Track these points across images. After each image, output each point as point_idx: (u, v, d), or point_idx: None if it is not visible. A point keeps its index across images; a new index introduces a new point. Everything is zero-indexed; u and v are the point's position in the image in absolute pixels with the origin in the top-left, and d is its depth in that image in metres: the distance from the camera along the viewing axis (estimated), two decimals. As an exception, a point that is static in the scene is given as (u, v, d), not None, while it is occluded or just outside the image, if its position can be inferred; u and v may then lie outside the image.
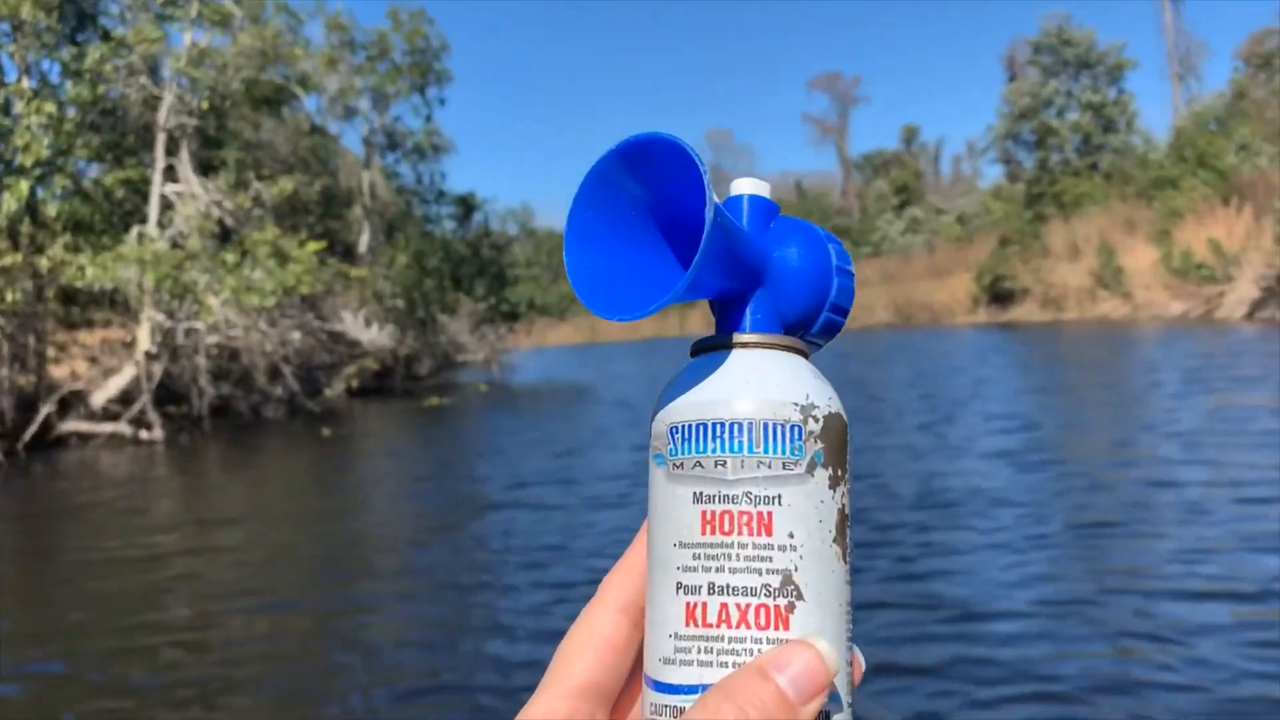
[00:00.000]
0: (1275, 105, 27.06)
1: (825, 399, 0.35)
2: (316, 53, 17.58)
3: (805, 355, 0.37)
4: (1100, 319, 21.52)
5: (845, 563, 0.35)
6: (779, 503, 0.33)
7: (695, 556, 0.34)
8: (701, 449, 0.34)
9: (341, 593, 4.55)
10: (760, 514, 0.33)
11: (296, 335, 12.54)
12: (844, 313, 0.39)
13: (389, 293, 16.46)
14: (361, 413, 14.37)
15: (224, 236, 12.51)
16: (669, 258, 0.37)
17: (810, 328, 0.39)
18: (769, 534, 0.33)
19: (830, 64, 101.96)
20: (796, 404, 0.34)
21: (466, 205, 20.66)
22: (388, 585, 4.68)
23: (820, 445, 0.34)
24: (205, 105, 12.10)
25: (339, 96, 18.57)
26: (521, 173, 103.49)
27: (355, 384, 15.96)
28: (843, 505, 0.35)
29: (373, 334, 17.09)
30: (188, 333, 11.63)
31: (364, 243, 18.66)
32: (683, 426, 0.35)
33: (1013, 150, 35.79)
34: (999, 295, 27.73)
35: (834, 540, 0.34)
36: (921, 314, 29.92)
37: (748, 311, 0.37)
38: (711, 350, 0.37)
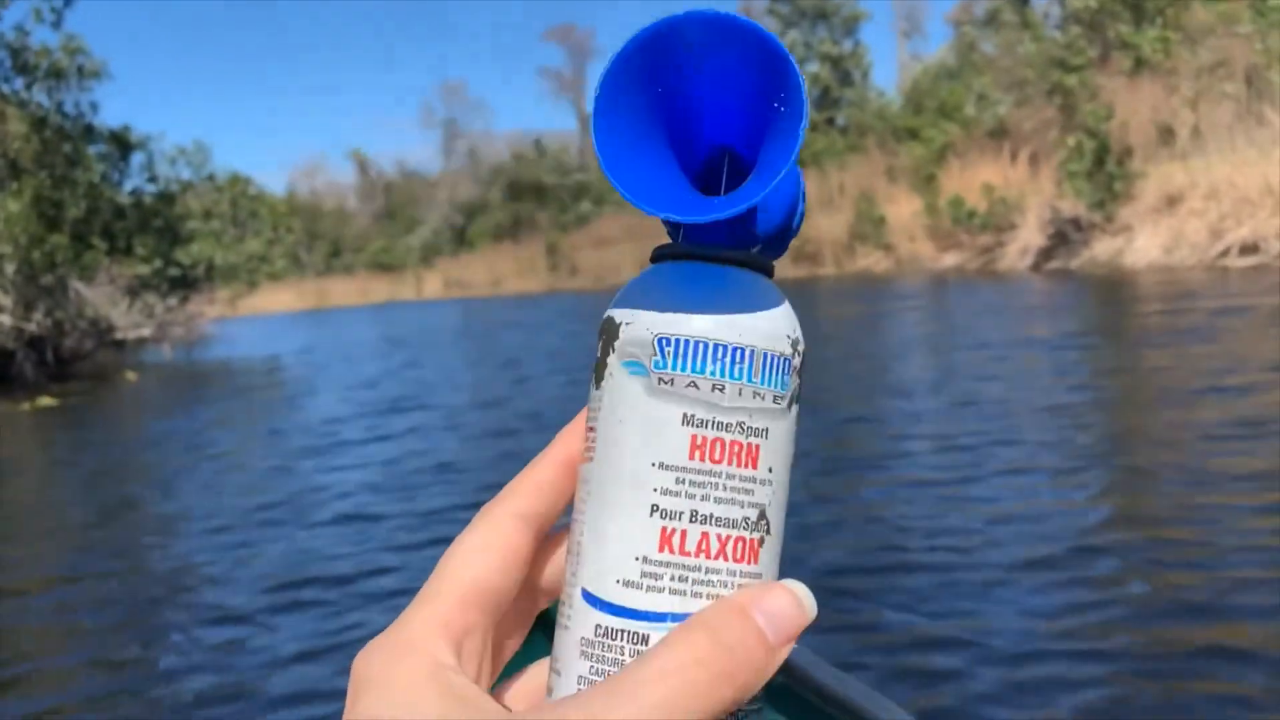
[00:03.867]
0: (1005, 57, 27.09)
1: (802, 333, 0.34)
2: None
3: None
4: (860, 274, 20.21)
5: None
6: (765, 436, 0.32)
7: (679, 481, 0.32)
8: (699, 369, 0.31)
9: None
10: (749, 445, 0.32)
11: None
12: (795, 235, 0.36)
13: (-3, 252, 12.28)
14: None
15: None
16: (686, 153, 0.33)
17: (778, 248, 0.35)
18: (754, 467, 0.32)
19: (565, 16, 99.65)
20: (789, 336, 0.32)
21: (122, 143, 16.29)
22: None
23: (799, 381, 0.33)
24: None
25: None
26: (193, 104, 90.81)
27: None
28: None
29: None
30: None
31: (-27, 188, 14.18)
32: (677, 341, 0.32)
33: (751, 104, 34.75)
34: (749, 251, 26.23)
35: (789, 478, 0.34)
36: (669, 273, 28.14)
37: (738, 224, 0.33)
38: (691, 259, 0.33)
